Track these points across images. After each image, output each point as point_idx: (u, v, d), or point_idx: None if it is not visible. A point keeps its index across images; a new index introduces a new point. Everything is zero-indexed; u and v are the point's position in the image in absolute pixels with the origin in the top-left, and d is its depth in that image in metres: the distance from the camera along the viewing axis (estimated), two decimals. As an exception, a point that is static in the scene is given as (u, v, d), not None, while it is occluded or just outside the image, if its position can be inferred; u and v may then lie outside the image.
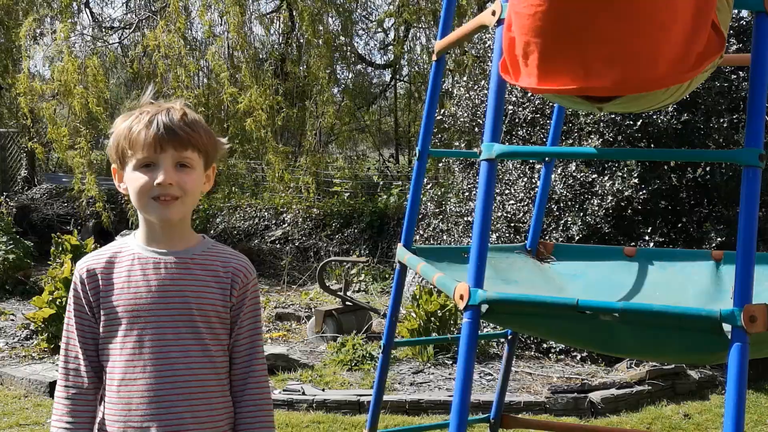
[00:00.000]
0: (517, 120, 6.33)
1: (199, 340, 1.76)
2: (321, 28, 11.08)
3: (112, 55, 12.92)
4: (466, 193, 7.12)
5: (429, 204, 7.90)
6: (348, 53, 13.17)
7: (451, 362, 5.67)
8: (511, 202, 6.20)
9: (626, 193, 5.63)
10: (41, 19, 11.04)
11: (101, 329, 1.77)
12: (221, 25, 11.28)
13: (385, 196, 11.46)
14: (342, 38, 12.67)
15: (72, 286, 1.81)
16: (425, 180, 7.70)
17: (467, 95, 7.13)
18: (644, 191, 5.62)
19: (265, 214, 11.46)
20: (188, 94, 9.92)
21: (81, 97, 10.08)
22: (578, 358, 5.75)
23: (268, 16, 12.08)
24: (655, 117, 5.59)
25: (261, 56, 12.16)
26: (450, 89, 10.53)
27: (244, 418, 1.79)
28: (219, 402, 1.78)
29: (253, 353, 1.83)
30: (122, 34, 13.99)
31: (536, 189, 4.64)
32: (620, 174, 5.69)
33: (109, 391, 1.75)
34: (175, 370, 1.73)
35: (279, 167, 10.49)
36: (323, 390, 5.08)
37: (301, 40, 11.28)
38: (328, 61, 10.97)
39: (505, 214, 6.20)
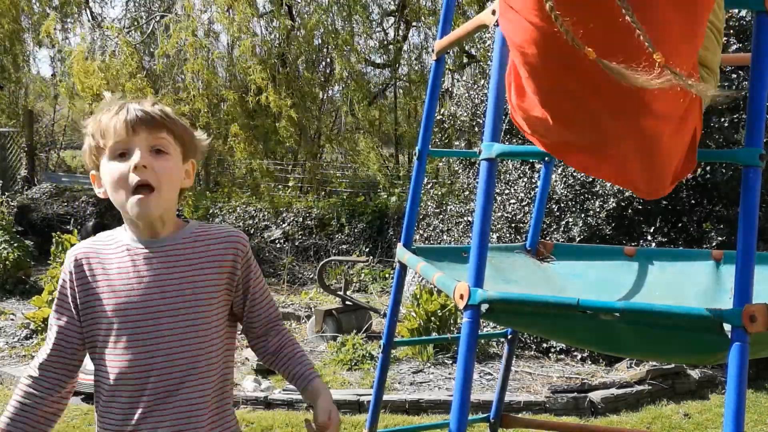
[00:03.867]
0: (517, 120, 6.32)
1: (195, 329, 1.71)
2: (321, 28, 11.10)
3: (134, 52, 12.94)
4: (467, 193, 7.12)
5: (429, 204, 7.90)
6: (347, 53, 13.16)
7: (451, 362, 5.67)
8: (512, 202, 6.20)
9: (626, 194, 5.62)
10: (58, 12, 11.05)
11: (90, 325, 1.72)
12: (227, 23, 11.30)
13: (385, 196, 11.46)
14: (341, 38, 12.66)
15: (61, 276, 1.76)
16: (425, 180, 7.70)
17: (467, 94, 7.13)
18: (644, 191, 5.62)
19: (265, 213, 11.46)
20: (194, 91, 9.94)
21: (99, 91, 10.09)
22: (578, 357, 5.75)
23: (267, 16, 12.09)
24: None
25: (261, 55, 12.17)
26: (450, 89, 10.52)
27: (292, 359, 1.85)
28: (212, 390, 1.73)
29: (274, 316, 1.87)
30: (131, 34, 14.00)
31: (537, 189, 4.64)
32: (621, 174, 5.68)
33: (102, 390, 1.71)
34: (174, 361, 1.68)
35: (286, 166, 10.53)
36: (323, 390, 5.07)
37: (300, 39, 11.28)
38: (323, 61, 10.99)
39: (505, 215, 6.20)
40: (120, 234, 1.79)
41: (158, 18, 12.35)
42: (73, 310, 1.74)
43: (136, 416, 1.68)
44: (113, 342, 1.70)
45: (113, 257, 1.74)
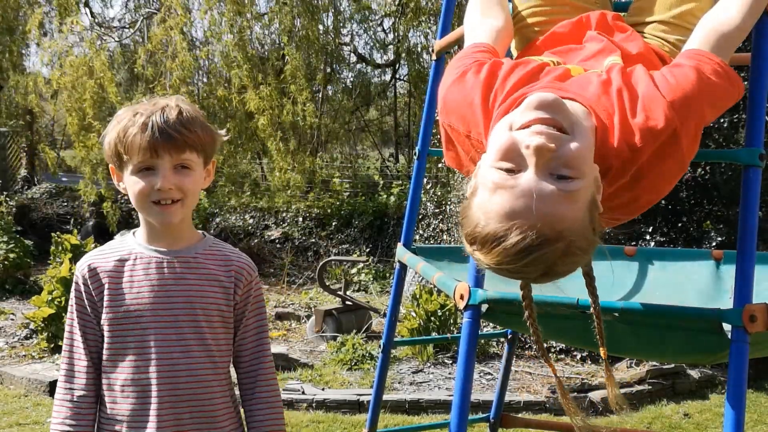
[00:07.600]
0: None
1: (202, 340, 1.75)
2: (316, 27, 11.05)
3: (119, 52, 12.89)
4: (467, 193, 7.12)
5: (429, 204, 7.90)
6: (347, 52, 13.17)
7: (450, 362, 5.67)
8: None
9: (626, 193, 5.63)
10: (46, 14, 11.00)
11: (103, 329, 1.75)
12: (222, 24, 11.26)
13: (385, 196, 11.45)
14: (341, 37, 12.65)
15: (73, 286, 1.78)
16: (425, 180, 7.70)
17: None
18: (644, 191, 5.62)
19: (265, 213, 11.45)
20: (186, 90, 9.91)
21: (93, 91, 10.04)
22: (578, 357, 5.75)
23: (267, 15, 12.06)
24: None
25: (261, 55, 12.14)
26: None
27: (255, 418, 1.79)
28: (221, 403, 1.77)
29: (261, 351, 1.82)
30: (122, 33, 13.99)
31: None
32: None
33: (110, 392, 1.74)
34: (177, 371, 1.71)
35: (280, 166, 10.46)
36: (323, 389, 5.08)
37: (295, 39, 11.21)
38: (310, 60, 10.91)
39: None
40: (130, 241, 1.81)
41: (149, 15, 12.32)
42: (94, 319, 1.76)
43: (143, 424, 1.70)
44: (121, 348, 1.73)
45: (126, 264, 1.76)
